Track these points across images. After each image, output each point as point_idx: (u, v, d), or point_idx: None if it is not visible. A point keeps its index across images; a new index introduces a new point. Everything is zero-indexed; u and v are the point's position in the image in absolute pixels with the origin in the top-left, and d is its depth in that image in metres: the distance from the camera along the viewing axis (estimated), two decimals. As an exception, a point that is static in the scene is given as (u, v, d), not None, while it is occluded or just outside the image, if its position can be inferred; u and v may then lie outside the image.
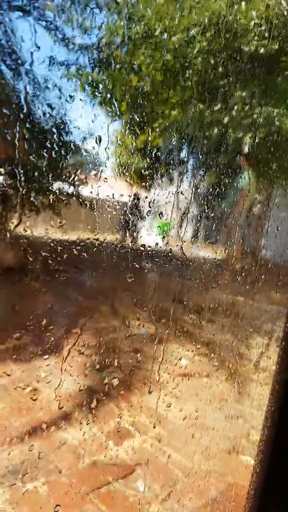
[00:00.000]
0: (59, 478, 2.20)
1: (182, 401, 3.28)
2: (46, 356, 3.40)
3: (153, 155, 4.83)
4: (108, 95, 4.75)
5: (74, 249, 3.56)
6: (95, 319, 3.87)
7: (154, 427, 2.90)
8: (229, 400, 3.54)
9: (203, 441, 2.83)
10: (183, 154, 5.52)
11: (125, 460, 2.48)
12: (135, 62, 5.11)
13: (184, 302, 5.21)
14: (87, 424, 2.76)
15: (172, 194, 5.65)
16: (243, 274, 4.60)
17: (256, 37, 5.23)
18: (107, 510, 2.03)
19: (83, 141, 4.45)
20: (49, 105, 4.67)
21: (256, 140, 5.39)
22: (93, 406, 2.97)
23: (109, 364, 3.42)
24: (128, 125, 4.56)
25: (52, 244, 3.26)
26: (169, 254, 4.46)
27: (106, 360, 3.54)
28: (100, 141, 2.87)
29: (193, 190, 4.97)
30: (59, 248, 3.34)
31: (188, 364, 4.10)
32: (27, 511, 1.92)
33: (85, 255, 3.68)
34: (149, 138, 4.76)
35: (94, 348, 3.76)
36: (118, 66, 4.83)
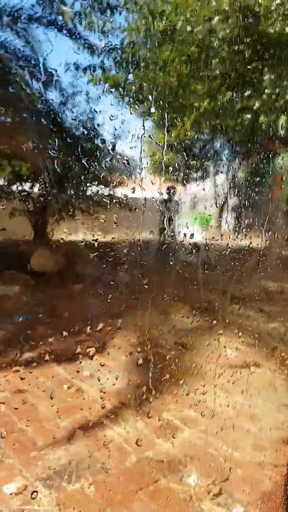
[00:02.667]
0: (107, 477, 2.13)
1: (231, 392, 3.17)
2: (89, 356, 3.41)
3: (187, 149, 4.70)
4: (136, 95, 4.68)
5: (114, 250, 3.51)
6: (138, 316, 3.70)
7: (203, 421, 2.77)
8: (281, 390, 3.37)
9: (255, 432, 2.70)
10: (216, 144, 5.38)
11: (174, 456, 2.38)
12: (160, 59, 5.03)
13: (229, 292, 5.06)
14: (133, 420, 2.69)
15: (209, 186, 5.54)
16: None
17: (280, 17, 5.00)
18: (157, 508, 1.95)
19: (114, 143, 4.39)
20: (78, 112, 4.71)
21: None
22: (139, 402, 2.90)
23: (154, 359, 3.37)
24: (159, 122, 4.46)
25: (91, 247, 3.18)
26: (210, 246, 4.27)
27: (151, 356, 3.49)
28: (132, 141, 2.75)
29: (229, 180, 4.81)
30: (98, 250, 3.31)
31: (236, 354, 3.95)
32: (74, 513, 1.88)
33: (126, 254, 3.63)
34: (181, 133, 4.65)
35: (138, 345, 3.64)
36: (143, 64, 4.78)
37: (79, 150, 4.51)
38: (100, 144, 4.59)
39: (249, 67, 5.15)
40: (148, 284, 3.69)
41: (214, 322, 4.32)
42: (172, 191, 4.82)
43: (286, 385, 3.46)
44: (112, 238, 3.64)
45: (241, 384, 3.29)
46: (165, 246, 3.99)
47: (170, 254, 4.20)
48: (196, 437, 2.62)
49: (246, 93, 5.10)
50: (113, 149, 4.46)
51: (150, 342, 3.82)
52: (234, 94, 5.09)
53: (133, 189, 3.09)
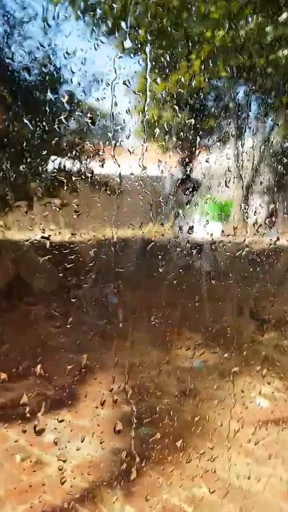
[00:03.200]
0: None
1: (262, 460, 3.05)
2: (53, 411, 3.16)
3: (194, 103, 4.23)
4: (118, 21, 4.16)
5: (87, 253, 3.22)
6: (123, 350, 3.42)
7: (222, 502, 2.66)
8: None
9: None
10: (239, 95, 4.97)
11: None
12: None
13: (257, 315, 4.88)
14: (118, 505, 2.60)
15: (229, 160, 5.06)
16: None
17: None
18: None
19: (86, 95, 3.88)
20: (31, 46, 4.18)
21: None
22: (127, 478, 2.68)
23: (148, 415, 3.07)
24: (152, 62, 3.97)
25: (54, 250, 2.90)
26: (230, 246, 4.07)
27: (144, 409, 3.17)
28: (112, 91, 2.56)
29: (259, 149, 4.41)
30: (64, 254, 3.06)
31: (268, 405, 3.85)
32: None
33: (105, 259, 3.26)
34: (185, 78, 4.05)
35: (124, 393, 3.32)
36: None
37: (31, 105, 4.11)
38: (62, 96, 4.20)
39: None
40: (131, 302, 3.57)
41: None
42: (174, 166, 4.42)
43: None
44: (85, 236, 3.48)
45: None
46: (158, 246, 3.67)
47: (164, 258, 3.85)
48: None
49: (282, 18, 4.60)
50: (82, 103, 3.89)
51: (140, 386, 3.50)
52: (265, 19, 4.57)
53: (116, 165, 2.72)
